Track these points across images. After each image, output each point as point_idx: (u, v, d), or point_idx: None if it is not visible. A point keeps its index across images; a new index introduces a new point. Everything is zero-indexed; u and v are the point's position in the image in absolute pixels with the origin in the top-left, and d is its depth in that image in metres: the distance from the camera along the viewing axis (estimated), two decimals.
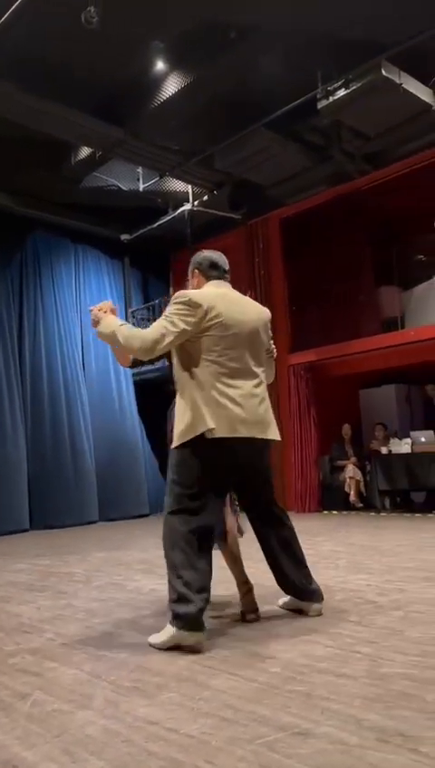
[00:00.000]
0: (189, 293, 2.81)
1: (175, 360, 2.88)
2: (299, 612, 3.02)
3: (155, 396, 10.79)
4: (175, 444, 2.77)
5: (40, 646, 2.76)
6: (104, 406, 9.82)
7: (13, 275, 9.33)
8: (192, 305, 2.75)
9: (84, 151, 7.93)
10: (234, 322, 2.80)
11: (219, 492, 2.89)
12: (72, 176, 8.41)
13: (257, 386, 2.86)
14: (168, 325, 2.73)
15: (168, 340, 2.72)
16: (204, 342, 2.76)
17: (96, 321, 2.94)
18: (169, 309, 2.79)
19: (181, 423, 2.74)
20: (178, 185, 9.02)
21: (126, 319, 10.51)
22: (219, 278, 2.96)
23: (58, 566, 5.16)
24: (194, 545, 2.66)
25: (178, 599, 2.59)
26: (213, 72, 6.37)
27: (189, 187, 8.97)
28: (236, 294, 2.96)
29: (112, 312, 2.98)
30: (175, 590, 2.60)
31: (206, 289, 2.90)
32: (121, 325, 2.85)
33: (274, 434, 2.90)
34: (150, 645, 2.63)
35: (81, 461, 9.17)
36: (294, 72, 6.44)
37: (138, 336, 2.77)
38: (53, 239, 9.76)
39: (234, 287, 3.01)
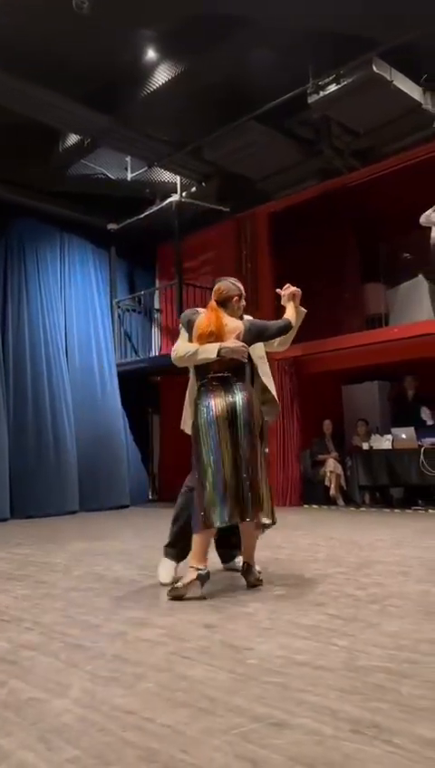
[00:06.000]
0: None
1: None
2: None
3: (138, 387, 10.78)
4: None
5: (17, 634, 2.75)
6: (87, 396, 9.77)
7: None
8: None
9: (72, 138, 7.86)
10: None
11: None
12: (59, 163, 8.34)
13: None
14: None
15: None
16: None
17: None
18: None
19: None
20: (166, 175, 8.98)
21: (110, 309, 10.42)
22: None
23: (38, 555, 5.14)
24: None
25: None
26: (204, 63, 6.35)
27: (178, 178, 8.93)
28: None
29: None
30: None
31: None
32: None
33: None
34: (161, 583, 3.45)
35: (63, 451, 9.13)
36: (286, 65, 6.43)
37: None
38: (38, 226, 9.65)
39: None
